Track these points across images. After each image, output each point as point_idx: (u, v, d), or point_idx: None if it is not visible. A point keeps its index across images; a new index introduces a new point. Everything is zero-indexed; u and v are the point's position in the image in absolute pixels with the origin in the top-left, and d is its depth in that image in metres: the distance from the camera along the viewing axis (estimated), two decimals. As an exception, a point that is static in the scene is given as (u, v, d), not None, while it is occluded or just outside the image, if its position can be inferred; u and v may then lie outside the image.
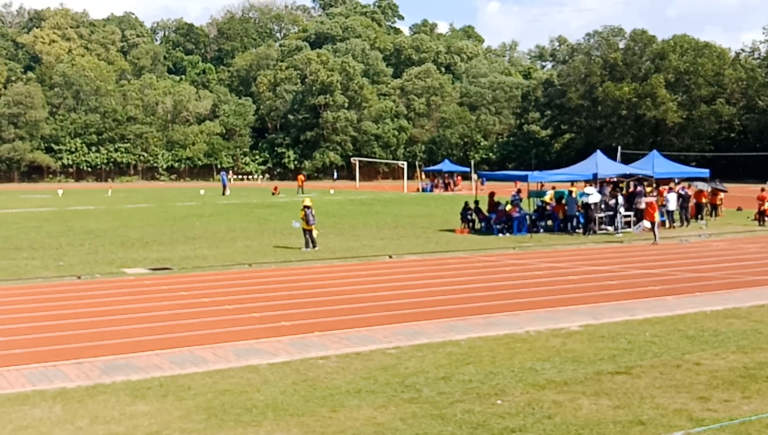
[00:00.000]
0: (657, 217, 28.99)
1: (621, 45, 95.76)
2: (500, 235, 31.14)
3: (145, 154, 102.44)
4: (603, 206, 32.25)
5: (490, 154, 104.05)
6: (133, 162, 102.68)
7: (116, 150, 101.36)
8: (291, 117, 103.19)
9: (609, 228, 32.01)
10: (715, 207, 38.37)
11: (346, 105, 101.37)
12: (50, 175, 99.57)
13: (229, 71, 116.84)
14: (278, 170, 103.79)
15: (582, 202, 31.93)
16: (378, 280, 20.42)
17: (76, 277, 21.00)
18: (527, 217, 32.49)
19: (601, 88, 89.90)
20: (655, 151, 38.61)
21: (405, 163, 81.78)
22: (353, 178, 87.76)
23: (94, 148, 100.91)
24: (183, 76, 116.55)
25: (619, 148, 66.53)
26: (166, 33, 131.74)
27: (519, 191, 38.20)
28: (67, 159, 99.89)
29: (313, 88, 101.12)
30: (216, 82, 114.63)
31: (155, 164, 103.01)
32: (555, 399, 10.19)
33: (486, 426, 9.22)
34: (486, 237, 30.77)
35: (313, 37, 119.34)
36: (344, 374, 11.48)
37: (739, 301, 16.80)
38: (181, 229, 34.58)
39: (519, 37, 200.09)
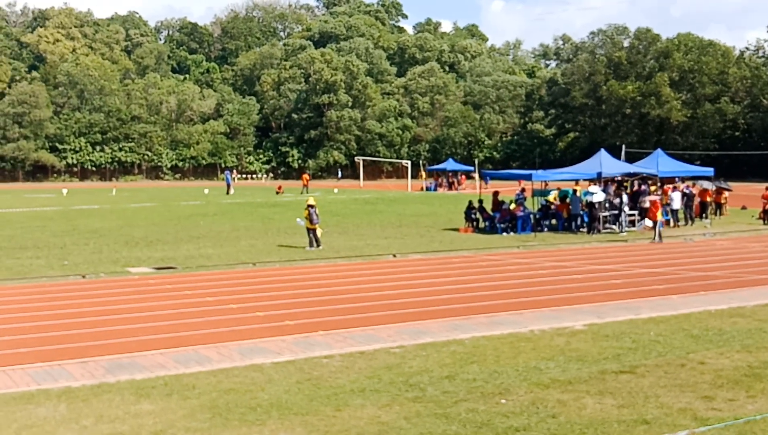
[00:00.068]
0: (659, 216, 28.94)
1: (625, 44, 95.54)
2: (504, 234, 31.12)
3: (149, 154, 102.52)
4: (607, 205, 32.23)
5: (494, 153, 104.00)
6: (138, 161, 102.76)
7: (120, 149, 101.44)
8: (295, 116, 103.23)
9: (613, 227, 31.99)
10: (719, 206, 38.33)
11: (350, 104, 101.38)
12: (54, 175, 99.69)
13: (233, 70, 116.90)
14: (282, 169, 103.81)
15: (586, 201, 31.90)
16: (382, 279, 20.43)
17: (81, 276, 21.04)
18: (531, 216, 32.48)
19: (605, 86, 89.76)
20: (659, 150, 38.54)
21: (409, 162, 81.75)
22: (357, 177, 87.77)
23: (98, 148, 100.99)
24: (187, 76, 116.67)
25: (624, 146, 66.26)
26: (170, 32, 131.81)
27: (523, 190, 38.16)
28: (72, 158, 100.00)
29: (317, 87, 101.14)
30: (220, 81, 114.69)
31: (159, 163, 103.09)
32: (559, 398, 10.18)
33: (490, 425, 9.21)
34: (490, 236, 30.75)
35: (317, 36, 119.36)
36: (348, 373, 11.48)
37: (744, 300, 16.78)
38: (185, 228, 34.62)
39: (523, 35, 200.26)
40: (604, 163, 34.01)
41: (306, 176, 73.92)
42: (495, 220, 32.37)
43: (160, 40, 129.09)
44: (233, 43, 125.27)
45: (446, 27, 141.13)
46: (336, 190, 68.89)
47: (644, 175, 35.17)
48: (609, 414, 9.56)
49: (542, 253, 25.68)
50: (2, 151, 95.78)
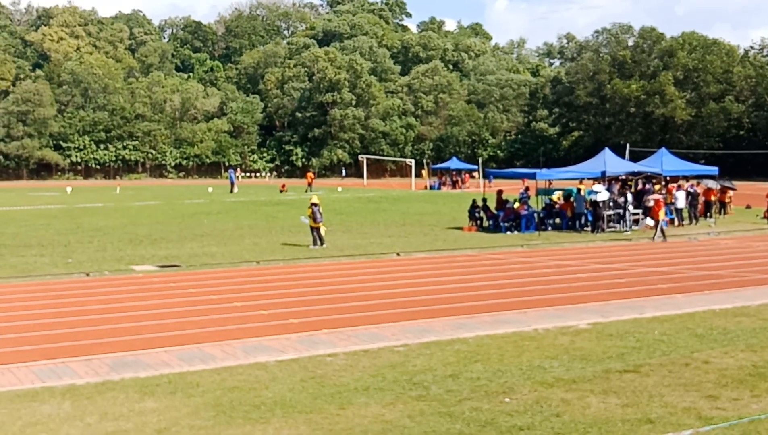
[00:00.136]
0: (662, 215, 28.87)
1: (629, 42, 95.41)
2: (508, 232, 31.10)
3: (153, 152, 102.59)
4: (611, 204, 32.18)
5: (498, 152, 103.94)
6: (142, 159, 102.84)
7: (124, 147, 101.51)
8: (299, 114, 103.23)
9: (617, 226, 31.95)
10: (724, 205, 38.25)
11: (354, 102, 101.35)
12: (59, 173, 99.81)
13: (236, 69, 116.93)
14: (286, 168, 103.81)
15: (590, 199, 31.86)
16: (386, 277, 20.42)
17: (85, 274, 21.07)
18: (535, 214, 32.45)
19: (610, 85, 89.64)
20: (663, 149, 38.49)
21: (413, 161, 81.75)
22: (361, 176, 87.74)
23: (102, 146, 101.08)
24: (191, 74, 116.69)
25: (628, 145, 66.31)
26: (174, 31, 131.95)
27: (527, 189, 38.13)
28: (76, 156, 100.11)
29: (321, 85, 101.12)
30: (224, 79, 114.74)
31: (163, 162, 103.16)
32: (563, 397, 10.18)
33: (494, 424, 9.21)
34: (494, 235, 30.73)
35: (321, 34, 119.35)
36: (352, 372, 11.49)
37: (749, 300, 16.75)
38: (189, 226, 34.65)
39: (527, 34, 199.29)
40: (609, 161, 33.98)
41: (310, 175, 73.99)
42: (499, 218, 32.36)
43: (164, 38, 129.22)
44: (237, 42, 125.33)
45: (450, 26, 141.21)
46: (340, 189, 68.90)
47: (648, 174, 35.11)
48: (613, 413, 9.55)
49: (546, 252, 25.65)
50: (6, 150, 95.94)
